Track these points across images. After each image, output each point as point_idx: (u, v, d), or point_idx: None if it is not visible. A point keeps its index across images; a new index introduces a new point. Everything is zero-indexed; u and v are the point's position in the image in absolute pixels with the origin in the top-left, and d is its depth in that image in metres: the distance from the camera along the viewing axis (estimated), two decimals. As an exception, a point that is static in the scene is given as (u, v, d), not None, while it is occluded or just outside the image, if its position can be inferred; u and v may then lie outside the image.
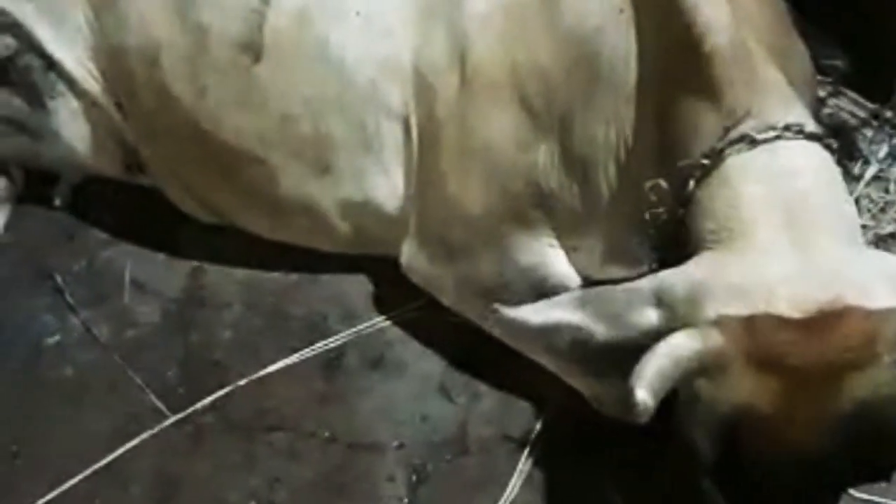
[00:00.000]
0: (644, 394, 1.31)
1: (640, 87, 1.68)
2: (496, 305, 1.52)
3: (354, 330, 2.15)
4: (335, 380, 2.09)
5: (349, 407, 2.04)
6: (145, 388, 2.09)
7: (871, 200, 2.21)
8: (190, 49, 2.04)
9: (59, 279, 2.29)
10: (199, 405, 2.06)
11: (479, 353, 2.05)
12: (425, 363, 2.09)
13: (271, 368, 2.10)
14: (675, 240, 1.55)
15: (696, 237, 1.49)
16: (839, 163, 1.54)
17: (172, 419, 2.05)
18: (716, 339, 1.35)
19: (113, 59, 2.14)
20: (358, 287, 2.21)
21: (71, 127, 2.25)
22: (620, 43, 1.70)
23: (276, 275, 2.25)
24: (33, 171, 2.39)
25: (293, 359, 2.11)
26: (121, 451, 2.00)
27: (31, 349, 2.19)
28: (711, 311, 1.37)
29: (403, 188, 2.02)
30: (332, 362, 2.11)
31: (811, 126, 1.52)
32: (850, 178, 2.19)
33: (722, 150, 1.49)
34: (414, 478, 1.94)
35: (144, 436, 2.02)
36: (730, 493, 1.44)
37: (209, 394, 2.07)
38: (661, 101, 1.63)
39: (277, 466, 1.98)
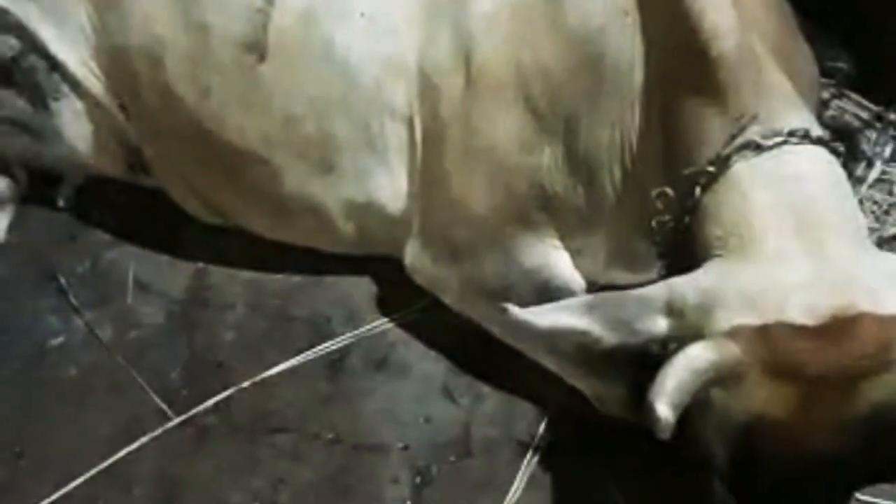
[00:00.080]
0: (665, 409, 1.30)
1: (645, 92, 1.68)
2: (506, 304, 1.51)
3: (358, 331, 2.15)
4: (339, 381, 2.09)
5: (353, 408, 2.04)
6: (149, 390, 2.09)
7: (875, 203, 2.21)
8: (193, 49, 2.03)
9: (62, 280, 2.29)
10: (202, 406, 2.06)
11: (482, 354, 2.05)
12: (428, 364, 2.09)
13: (275, 370, 2.10)
14: (682, 247, 1.54)
15: (704, 244, 1.48)
16: (843, 165, 1.53)
17: (176, 420, 2.05)
18: (732, 350, 1.34)
19: (116, 59, 2.14)
20: (361, 289, 2.21)
21: (74, 127, 2.25)
22: (625, 46, 1.69)
23: (279, 276, 2.25)
24: (36, 171, 2.38)
25: (297, 360, 2.11)
26: (124, 452, 2.00)
27: (35, 350, 2.18)
28: (724, 320, 1.37)
29: (407, 188, 2.02)
30: (335, 364, 2.11)
31: (817, 130, 1.51)
32: (854, 180, 2.20)
33: (728, 157, 1.49)
34: (418, 479, 1.94)
35: (147, 437, 2.02)
36: (742, 496, 1.43)
37: (212, 395, 2.07)
38: (667, 105, 1.63)
39: (281, 468, 1.98)
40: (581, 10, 1.74)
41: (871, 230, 2.13)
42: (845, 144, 1.56)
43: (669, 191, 1.57)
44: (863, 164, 2.27)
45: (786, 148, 1.48)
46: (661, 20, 1.63)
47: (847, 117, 2.34)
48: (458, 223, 1.95)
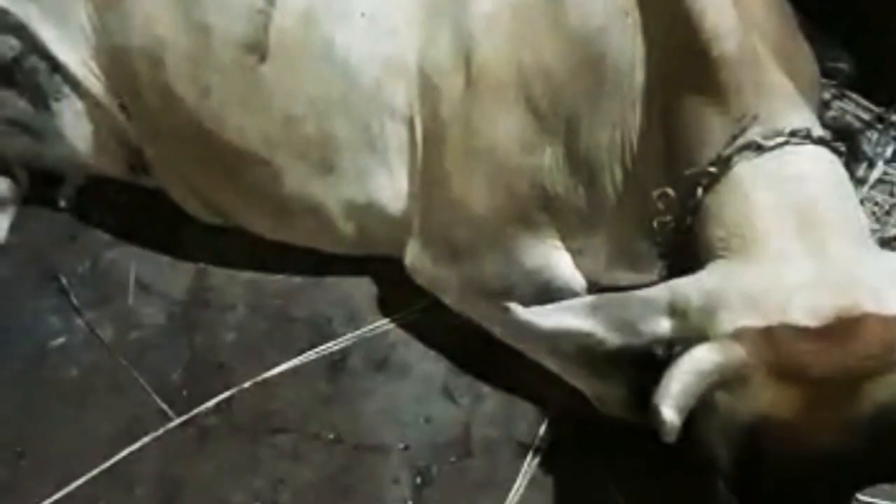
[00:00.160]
0: (671, 412, 1.30)
1: (646, 92, 1.68)
2: (509, 304, 1.51)
3: (358, 332, 2.15)
4: (339, 382, 2.09)
5: (353, 409, 2.04)
6: (150, 390, 2.09)
7: (876, 203, 2.21)
8: (194, 49, 2.03)
9: (63, 280, 2.29)
10: (203, 407, 2.06)
11: (482, 354, 2.05)
12: (429, 365, 2.10)
13: (275, 370, 2.10)
14: (684, 247, 1.54)
15: (706, 245, 1.48)
16: (844, 166, 1.53)
17: (177, 421, 2.05)
18: (737, 352, 1.34)
19: (116, 59, 2.14)
20: (362, 289, 2.21)
21: (75, 128, 2.25)
22: (626, 47, 1.69)
23: (280, 277, 2.25)
24: (37, 172, 2.38)
25: (297, 361, 2.11)
26: (125, 452, 2.01)
27: (36, 350, 2.18)
28: (728, 321, 1.37)
29: (408, 189, 2.01)
30: (336, 364, 2.11)
31: (818, 130, 1.51)
32: (855, 181, 2.19)
33: (729, 157, 1.49)
34: (418, 480, 1.94)
35: (148, 437, 2.02)
36: (747, 497, 1.43)
37: (213, 395, 2.07)
38: (668, 106, 1.63)
39: (281, 468, 1.98)
40: (582, 11, 1.74)
41: (873, 231, 2.12)
42: (846, 145, 1.56)
43: (671, 191, 1.57)
44: (864, 165, 2.27)
45: (787, 148, 1.47)
46: (662, 20, 1.63)
47: (848, 118, 2.33)
48: (458, 223, 1.95)
